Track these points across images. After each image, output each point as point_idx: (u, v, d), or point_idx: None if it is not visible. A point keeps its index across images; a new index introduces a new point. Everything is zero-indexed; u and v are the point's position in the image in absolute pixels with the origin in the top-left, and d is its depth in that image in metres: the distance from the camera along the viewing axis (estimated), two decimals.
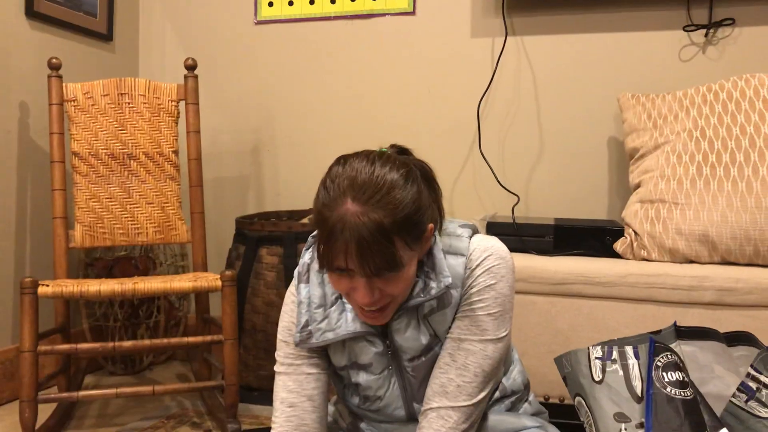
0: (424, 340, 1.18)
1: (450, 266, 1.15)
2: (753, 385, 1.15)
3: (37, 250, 2.33)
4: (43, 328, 1.94)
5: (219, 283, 1.89)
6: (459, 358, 1.15)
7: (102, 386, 2.38)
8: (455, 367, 1.15)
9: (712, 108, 1.93)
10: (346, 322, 1.17)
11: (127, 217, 2.16)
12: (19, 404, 1.74)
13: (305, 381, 1.20)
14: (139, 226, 2.17)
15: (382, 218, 1.00)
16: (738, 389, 1.16)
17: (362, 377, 1.22)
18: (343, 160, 1.08)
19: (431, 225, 1.11)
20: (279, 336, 1.23)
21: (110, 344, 1.83)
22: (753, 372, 1.16)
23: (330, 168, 1.08)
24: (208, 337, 1.93)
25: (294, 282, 1.23)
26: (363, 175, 1.03)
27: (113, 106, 2.17)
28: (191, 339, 1.91)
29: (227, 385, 1.89)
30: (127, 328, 2.53)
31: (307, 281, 1.21)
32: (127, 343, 1.85)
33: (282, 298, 2.16)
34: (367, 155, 1.08)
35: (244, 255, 2.24)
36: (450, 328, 1.18)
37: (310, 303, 1.19)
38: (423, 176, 1.14)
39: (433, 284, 1.13)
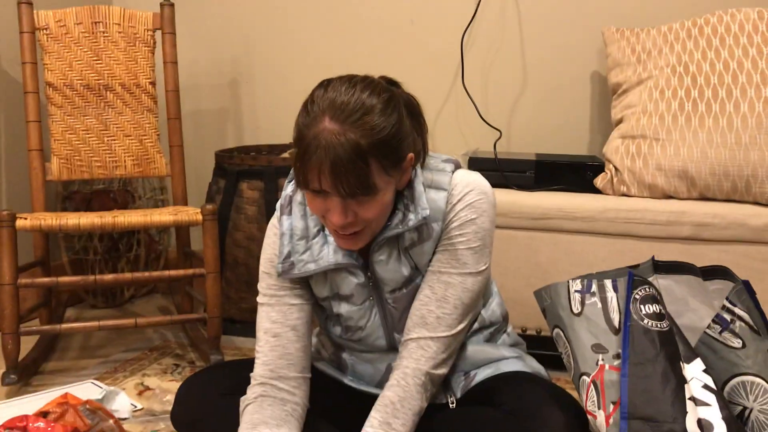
0: (406, 272, 1.19)
1: (431, 200, 1.16)
2: (727, 317, 1.18)
3: (13, 184, 2.30)
4: (21, 261, 1.92)
5: (200, 217, 1.88)
6: (439, 291, 1.17)
7: (83, 319, 2.38)
8: (435, 299, 1.17)
9: (697, 43, 1.92)
10: (328, 253, 1.18)
11: (104, 150, 2.12)
12: (2, 336, 1.74)
13: (288, 312, 1.21)
14: (117, 158, 2.14)
15: (359, 138, 1.01)
16: (713, 321, 1.19)
17: (344, 308, 1.24)
18: (326, 82, 1.08)
19: (411, 155, 1.12)
20: (261, 268, 1.24)
21: (91, 277, 1.83)
22: (728, 304, 1.19)
23: (313, 91, 1.08)
24: (191, 271, 1.93)
25: (276, 214, 1.24)
26: (343, 97, 1.04)
27: (87, 35, 2.11)
28: (173, 272, 1.91)
29: (210, 317, 1.90)
30: (107, 261, 2.52)
31: (290, 213, 1.21)
32: (109, 277, 1.85)
33: (263, 232, 2.16)
34: (349, 79, 1.08)
35: (225, 189, 2.22)
36: (431, 261, 1.19)
37: (292, 234, 1.19)
38: (407, 107, 1.14)
39: (411, 216, 1.14)
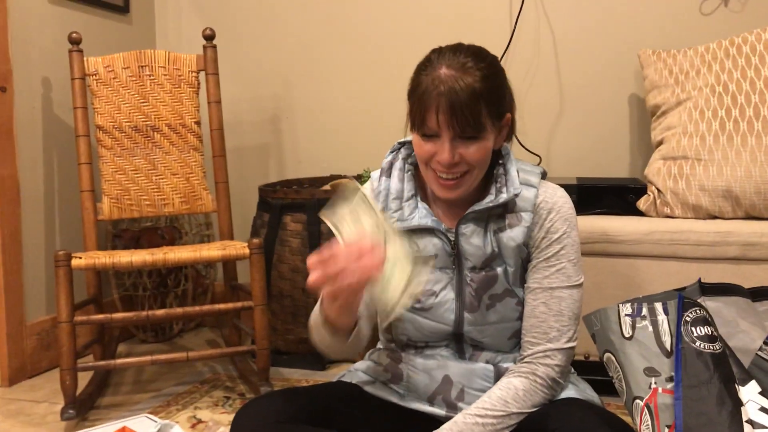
0: (488, 250, 1.27)
1: (522, 194, 1.27)
2: None
3: (66, 223, 2.38)
4: (75, 299, 1.98)
5: (247, 251, 1.92)
6: (554, 306, 1.26)
7: (135, 354, 2.44)
8: (552, 314, 1.26)
9: (735, 62, 1.92)
10: (417, 216, 1.29)
11: (152, 189, 2.19)
12: (60, 373, 1.79)
13: None
14: (165, 196, 2.20)
15: (473, 82, 1.16)
16: (765, 342, 1.18)
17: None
18: (438, 48, 1.24)
19: (509, 115, 1.28)
20: None
21: (144, 313, 1.88)
22: None
23: (427, 54, 1.25)
24: (239, 304, 1.97)
25: (372, 177, 1.38)
26: (457, 53, 1.20)
27: (134, 78, 2.19)
28: (222, 306, 1.95)
29: (258, 349, 1.93)
30: (156, 297, 2.58)
31: (389, 176, 1.34)
32: (160, 312, 1.89)
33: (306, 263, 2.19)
34: (459, 45, 1.24)
35: (269, 222, 2.27)
36: (527, 270, 1.28)
37: (388, 194, 1.32)
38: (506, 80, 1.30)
39: (503, 194, 1.26)
